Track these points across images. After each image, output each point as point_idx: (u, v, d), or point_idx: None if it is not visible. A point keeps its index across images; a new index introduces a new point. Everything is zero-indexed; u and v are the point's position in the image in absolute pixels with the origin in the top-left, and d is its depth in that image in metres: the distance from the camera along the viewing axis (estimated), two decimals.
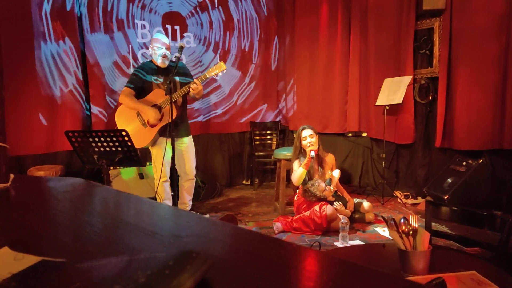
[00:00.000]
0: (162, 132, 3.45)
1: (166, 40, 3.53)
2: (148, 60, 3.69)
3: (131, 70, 4.59)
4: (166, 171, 3.54)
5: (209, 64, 5.16)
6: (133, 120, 3.42)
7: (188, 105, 3.88)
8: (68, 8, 4.17)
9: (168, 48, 3.52)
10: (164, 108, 3.44)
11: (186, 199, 3.76)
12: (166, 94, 3.21)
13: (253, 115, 5.58)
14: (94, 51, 4.36)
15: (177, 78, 3.55)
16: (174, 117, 3.17)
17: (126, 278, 0.40)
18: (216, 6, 5.22)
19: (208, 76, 3.47)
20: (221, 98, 5.37)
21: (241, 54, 5.43)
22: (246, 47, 5.46)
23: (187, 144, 3.64)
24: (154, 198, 3.49)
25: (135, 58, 4.68)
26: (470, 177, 3.51)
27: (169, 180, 3.60)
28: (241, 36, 5.41)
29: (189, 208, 3.82)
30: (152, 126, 3.43)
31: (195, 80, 3.42)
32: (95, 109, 4.37)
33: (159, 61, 3.49)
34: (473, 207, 3.22)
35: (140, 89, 3.48)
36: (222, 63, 3.43)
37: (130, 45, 4.64)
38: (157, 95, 3.46)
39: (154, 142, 3.49)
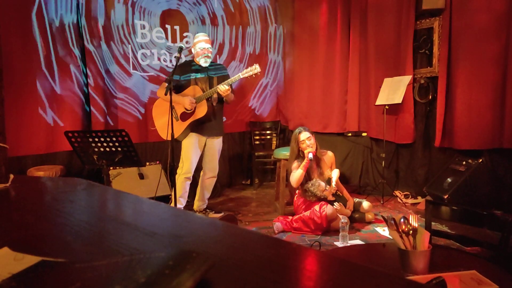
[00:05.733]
0: (193, 128, 3.60)
1: (207, 38, 3.73)
2: (189, 59, 3.88)
3: (132, 72, 4.62)
4: (191, 168, 3.66)
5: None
6: (166, 113, 3.49)
7: None
8: (68, 15, 4.18)
9: (211, 45, 3.72)
10: (197, 104, 3.56)
11: (205, 197, 3.92)
12: (165, 94, 3.21)
13: (253, 114, 5.58)
14: (95, 56, 4.36)
15: (213, 75, 3.69)
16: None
17: (126, 278, 0.40)
18: (216, 4, 5.21)
19: (241, 77, 3.55)
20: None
21: (241, 53, 5.43)
22: (246, 46, 5.46)
23: (217, 142, 3.81)
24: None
25: (135, 58, 4.67)
26: (470, 177, 3.51)
27: (191, 178, 3.72)
28: (241, 35, 5.40)
29: (205, 206, 3.96)
30: (184, 119, 3.57)
31: (223, 83, 3.50)
32: (94, 110, 4.37)
33: (201, 62, 3.66)
34: (473, 206, 3.21)
35: (177, 86, 3.61)
36: (257, 65, 3.53)
37: (130, 46, 4.64)
38: (194, 91, 3.59)
39: (184, 136, 3.62)
